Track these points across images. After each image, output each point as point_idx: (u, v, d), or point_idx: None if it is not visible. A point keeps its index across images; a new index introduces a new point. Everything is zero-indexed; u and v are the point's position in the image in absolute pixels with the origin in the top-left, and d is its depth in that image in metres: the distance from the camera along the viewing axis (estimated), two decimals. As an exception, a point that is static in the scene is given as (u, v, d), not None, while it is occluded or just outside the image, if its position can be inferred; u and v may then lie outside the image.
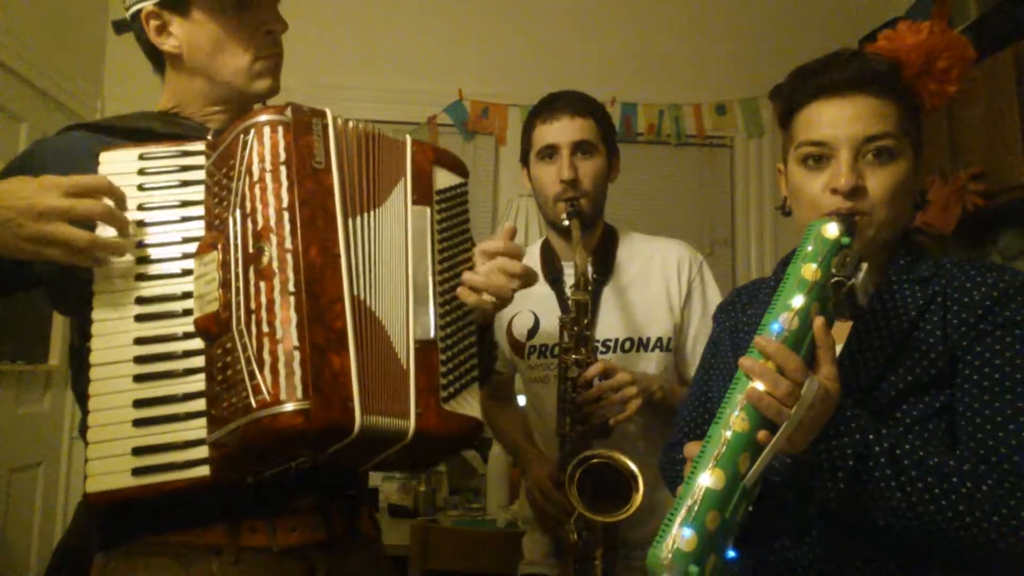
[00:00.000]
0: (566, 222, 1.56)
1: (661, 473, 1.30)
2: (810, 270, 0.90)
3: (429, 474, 2.76)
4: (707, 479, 0.84)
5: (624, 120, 3.32)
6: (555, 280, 1.67)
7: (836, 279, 0.90)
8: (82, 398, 0.96)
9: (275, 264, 0.92)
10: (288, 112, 1.00)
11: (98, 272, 0.95)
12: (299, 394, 0.87)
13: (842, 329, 1.04)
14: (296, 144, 0.98)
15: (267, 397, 0.87)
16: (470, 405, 1.05)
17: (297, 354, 0.89)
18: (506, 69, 3.35)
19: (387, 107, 3.31)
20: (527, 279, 1.11)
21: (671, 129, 3.40)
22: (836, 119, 1.02)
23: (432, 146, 1.15)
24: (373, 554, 1.19)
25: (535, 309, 1.67)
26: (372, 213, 1.04)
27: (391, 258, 1.04)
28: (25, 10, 2.64)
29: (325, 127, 1.02)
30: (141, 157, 1.01)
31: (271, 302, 0.91)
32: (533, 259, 1.73)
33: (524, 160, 1.72)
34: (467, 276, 1.09)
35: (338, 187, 1.00)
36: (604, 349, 1.61)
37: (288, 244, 0.93)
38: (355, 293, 0.98)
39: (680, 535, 0.83)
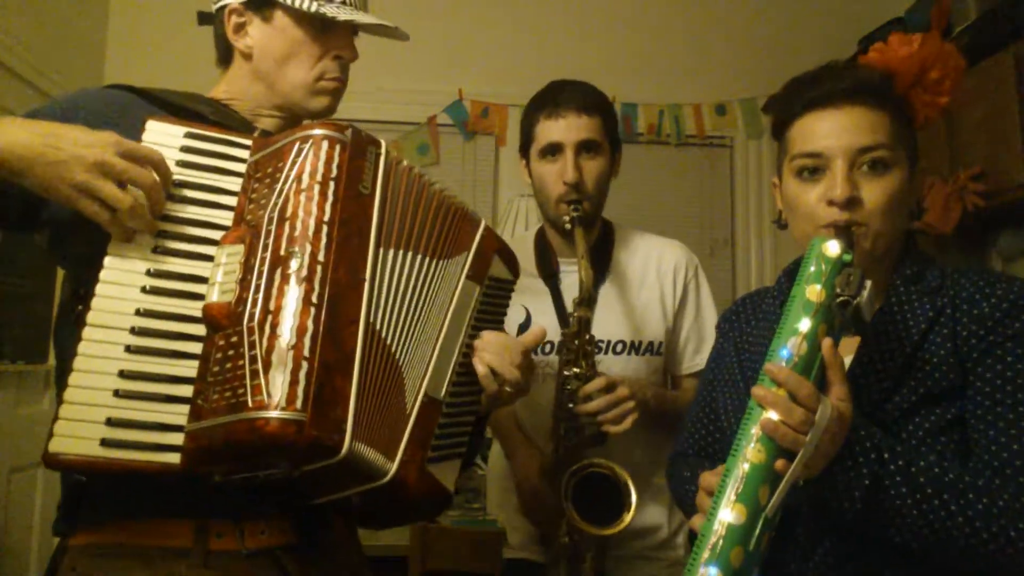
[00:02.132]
0: (568, 226, 1.52)
1: (668, 483, 1.31)
2: (814, 291, 0.89)
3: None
4: (728, 515, 0.84)
5: (624, 120, 3.31)
6: (549, 276, 1.64)
7: (841, 299, 0.89)
8: (63, 353, 0.94)
9: (303, 272, 0.93)
10: (348, 133, 1.02)
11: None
12: (299, 405, 0.87)
13: (851, 343, 1.03)
14: (349, 165, 1.00)
15: (265, 399, 0.86)
16: (448, 477, 1.05)
17: (306, 364, 0.88)
18: (506, 69, 3.35)
19: (387, 107, 3.31)
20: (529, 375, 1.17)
21: (671, 129, 3.40)
22: (830, 130, 1.02)
23: (500, 237, 1.22)
24: (348, 555, 1.18)
25: (527, 304, 1.64)
26: (415, 257, 1.06)
27: (430, 310, 1.07)
28: (25, 10, 2.64)
29: (377, 156, 1.05)
30: (187, 135, 1.01)
31: (292, 308, 0.91)
32: (527, 250, 1.68)
33: (524, 151, 1.65)
34: (480, 354, 1.12)
35: (376, 216, 1.02)
36: (595, 349, 1.59)
37: (321, 257, 0.94)
38: (371, 321, 0.98)
39: (706, 574, 0.83)
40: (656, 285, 1.65)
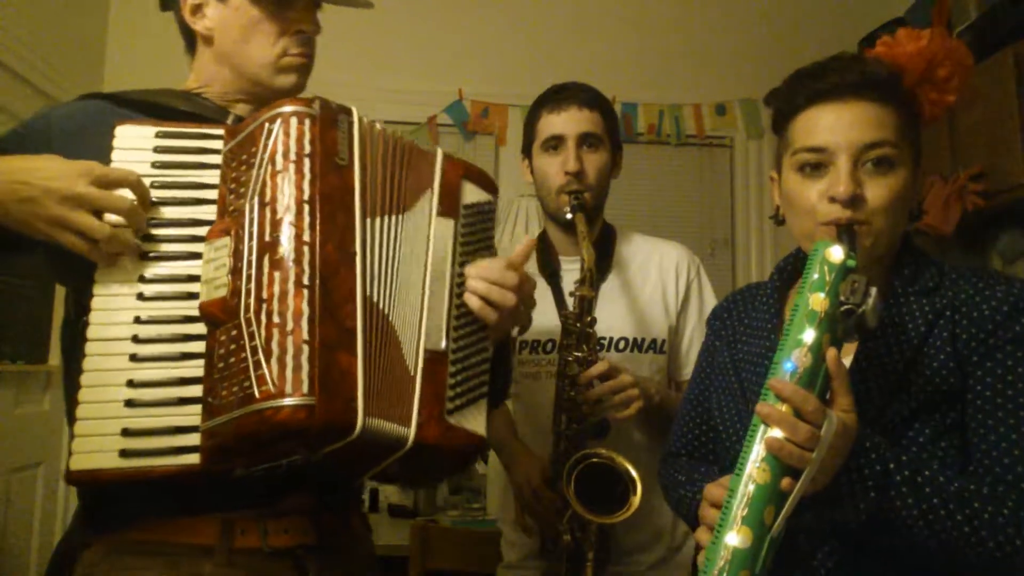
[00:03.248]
0: (569, 215, 1.53)
1: (661, 485, 1.29)
2: (818, 300, 0.87)
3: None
4: (734, 538, 0.83)
5: (624, 120, 3.31)
6: (551, 274, 1.64)
7: (846, 307, 0.87)
8: (71, 372, 0.94)
9: (291, 256, 0.91)
10: (316, 105, 0.99)
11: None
12: (305, 389, 0.86)
13: (849, 347, 1.01)
14: (321, 138, 0.97)
15: (272, 389, 0.86)
16: (476, 421, 1.03)
17: (307, 348, 0.88)
18: (506, 69, 3.35)
19: (387, 107, 3.30)
20: (524, 293, 1.11)
21: (671, 129, 3.40)
22: (835, 125, 0.98)
23: (463, 161, 1.15)
24: (364, 554, 1.18)
25: None
26: (393, 217, 1.03)
27: (409, 265, 1.03)
28: (25, 10, 2.64)
29: (351, 124, 1.02)
30: (158, 135, 0.99)
31: (284, 293, 0.90)
32: None
33: (526, 151, 1.68)
34: (470, 283, 1.08)
35: (359, 186, 0.99)
36: (599, 347, 1.58)
37: (306, 237, 0.92)
38: (368, 294, 0.97)
39: None
40: (658, 282, 1.64)
